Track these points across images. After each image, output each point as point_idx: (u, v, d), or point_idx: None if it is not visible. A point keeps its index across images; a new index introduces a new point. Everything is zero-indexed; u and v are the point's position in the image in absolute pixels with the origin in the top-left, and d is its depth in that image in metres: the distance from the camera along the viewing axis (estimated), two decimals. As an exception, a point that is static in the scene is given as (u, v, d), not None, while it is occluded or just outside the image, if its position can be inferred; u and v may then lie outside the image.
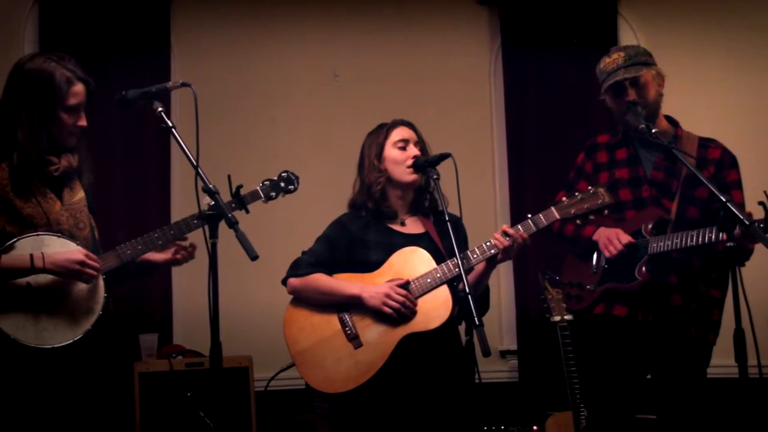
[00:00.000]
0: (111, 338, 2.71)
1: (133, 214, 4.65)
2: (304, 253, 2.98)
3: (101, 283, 2.61)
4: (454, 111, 4.99)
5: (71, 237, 2.61)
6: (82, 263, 2.53)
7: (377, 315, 2.79)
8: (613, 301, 3.10)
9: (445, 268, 2.77)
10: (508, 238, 2.74)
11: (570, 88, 4.95)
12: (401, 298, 2.74)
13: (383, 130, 2.97)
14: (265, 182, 2.95)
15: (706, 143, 3.17)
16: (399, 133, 2.94)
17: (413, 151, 2.90)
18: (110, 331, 2.69)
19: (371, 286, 2.80)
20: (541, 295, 3.88)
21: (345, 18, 5.06)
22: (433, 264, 2.80)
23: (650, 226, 3.05)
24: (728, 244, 2.64)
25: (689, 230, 2.92)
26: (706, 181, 2.76)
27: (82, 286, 2.58)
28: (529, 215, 2.80)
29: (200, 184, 2.38)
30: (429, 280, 2.78)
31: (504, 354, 4.95)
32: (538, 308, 3.94)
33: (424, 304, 2.77)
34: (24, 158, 2.58)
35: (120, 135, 4.70)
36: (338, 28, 5.05)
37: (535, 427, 4.27)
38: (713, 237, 2.84)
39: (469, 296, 2.49)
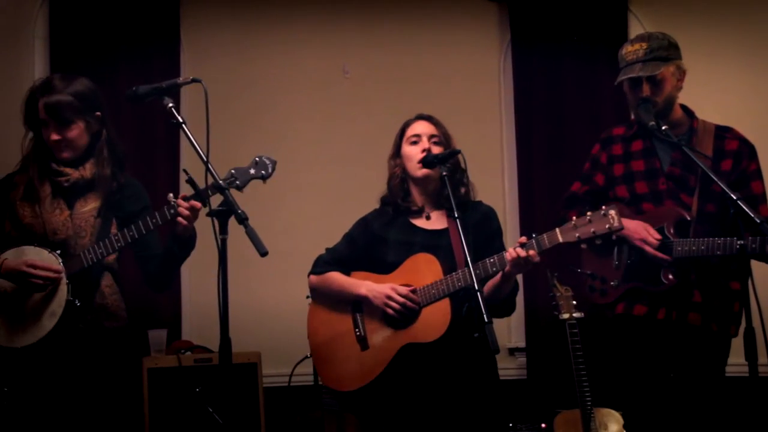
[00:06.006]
0: (107, 335, 2.80)
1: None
2: (327, 250, 3.01)
3: (63, 287, 2.69)
4: (463, 108, 4.96)
5: (67, 245, 2.72)
6: (25, 271, 2.65)
7: (386, 319, 2.82)
8: (633, 301, 3.09)
9: (450, 280, 2.74)
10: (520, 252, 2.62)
11: (580, 85, 4.91)
12: (401, 299, 2.76)
13: (402, 126, 3.00)
14: (232, 171, 2.63)
15: (722, 133, 3.13)
16: (414, 128, 2.96)
17: (424, 144, 2.90)
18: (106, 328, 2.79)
19: (376, 285, 2.83)
20: (550, 293, 3.87)
21: (354, 15, 5.04)
22: (440, 274, 2.77)
23: (672, 229, 3.01)
24: (740, 242, 2.64)
25: (715, 238, 2.89)
26: (718, 180, 2.77)
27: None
28: (534, 234, 2.65)
29: (210, 179, 2.38)
30: (434, 291, 2.77)
31: (512, 351, 4.93)
32: (547, 306, 3.93)
33: (426, 315, 2.77)
34: (33, 170, 2.79)
35: (129, 131, 4.69)
36: (347, 26, 5.04)
37: (543, 425, 4.26)
38: (738, 248, 2.77)
39: (478, 293, 2.49)
